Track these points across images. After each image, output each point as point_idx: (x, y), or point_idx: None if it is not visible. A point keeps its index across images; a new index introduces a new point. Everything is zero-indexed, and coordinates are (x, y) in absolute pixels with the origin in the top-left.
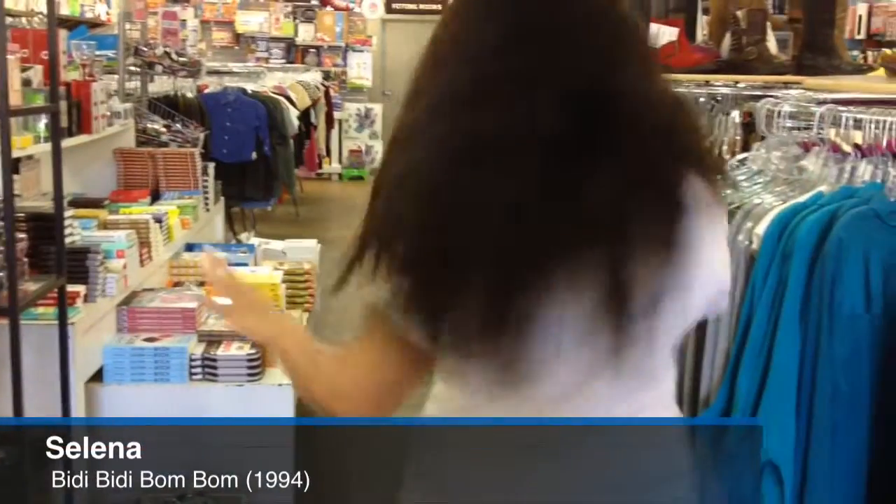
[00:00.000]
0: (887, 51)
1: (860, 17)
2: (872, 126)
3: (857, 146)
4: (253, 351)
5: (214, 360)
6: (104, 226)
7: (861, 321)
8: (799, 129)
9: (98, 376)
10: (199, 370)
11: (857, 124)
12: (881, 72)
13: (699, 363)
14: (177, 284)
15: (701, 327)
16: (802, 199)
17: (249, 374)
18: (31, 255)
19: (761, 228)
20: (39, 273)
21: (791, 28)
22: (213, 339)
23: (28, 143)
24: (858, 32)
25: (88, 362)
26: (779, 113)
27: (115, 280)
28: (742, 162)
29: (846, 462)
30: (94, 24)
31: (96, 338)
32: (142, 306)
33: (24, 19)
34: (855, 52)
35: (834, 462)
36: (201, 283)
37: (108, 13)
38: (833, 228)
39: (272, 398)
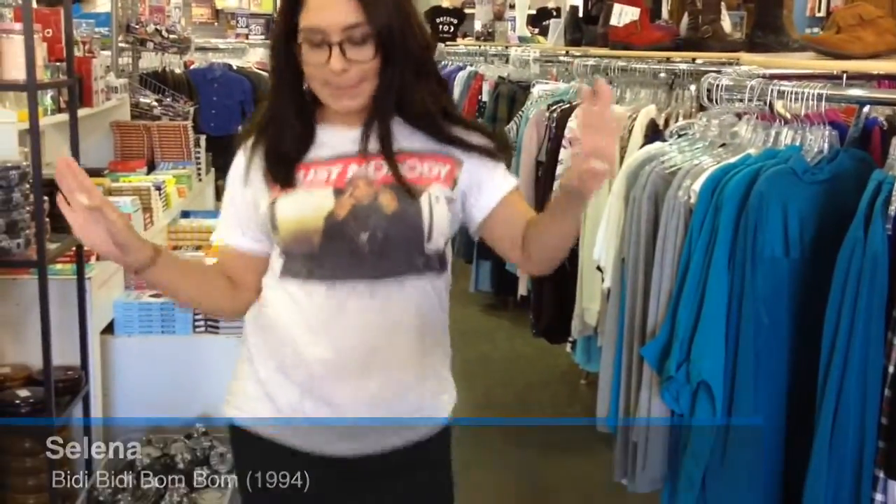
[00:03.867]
0: (824, 32)
1: None
2: (793, 97)
3: (796, 115)
4: None
5: None
6: (109, 192)
7: (780, 263)
8: (741, 100)
9: (109, 329)
10: (201, 323)
11: (781, 95)
12: None
13: (647, 301)
14: (175, 248)
15: (648, 270)
16: (733, 160)
17: None
18: (49, 217)
19: (697, 185)
20: (55, 233)
21: (745, 8)
22: None
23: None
24: (819, 10)
25: (101, 315)
26: (718, 86)
27: None
28: (682, 129)
29: (767, 381)
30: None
31: (107, 293)
32: None
33: None
34: (816, 30)
35: (757, 381)
36: (198, 248)
37: None
38: (755, 184)
39: None
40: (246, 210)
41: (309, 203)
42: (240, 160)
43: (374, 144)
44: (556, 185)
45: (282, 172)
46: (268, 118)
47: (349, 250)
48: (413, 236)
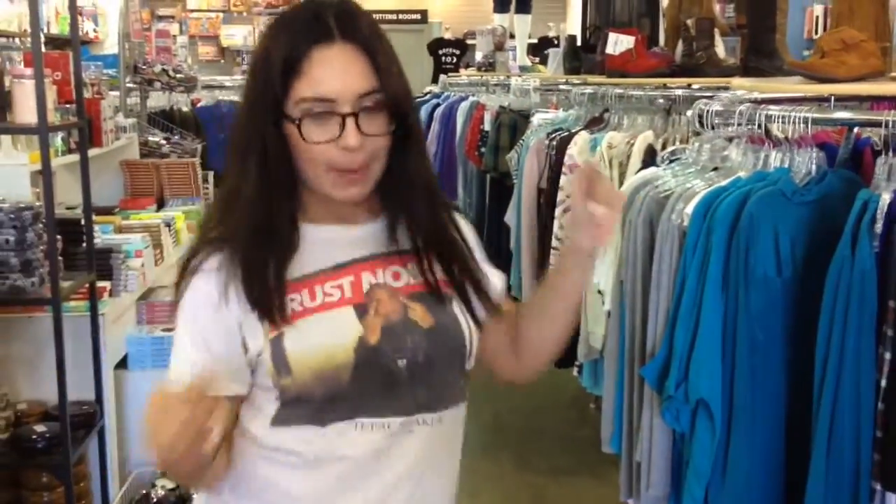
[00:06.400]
0: (810, 57)
1: (817, 17)
2: (780, 121)
3: (787, 138)
4: None
5: None
6: (120, 230)
7: (773, 283)
8: (738, 124)
9: (122, 363)
10: None
11: (769, 119)
12: None
13: (645, 323)
14: None
15: (646, 293)
16: (724, 183)
17: None
18: (62, 255)
19: (690, 209)
20: (69, 271)
21: (739, 33)
22: None
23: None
24: (816, 32)
25: (115, 350)
26: (709, 112)
27: (136, 277)
28: (672, 154)
29: (764, 397)
30: (83, 41)
31: (121, 329)
32: (159, 300)
33: (17, 40)
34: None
35: (754, 397)
36: None
37: (95, 31)
38: (745, 206)
39: None
40: (228, 348)
41: (330, 331)
42: (207, 287)
43: (388, 244)
44: (555, 225)
45: (276, 300)
46: (251, 225)
47: (385, 382)
48: (457, 354)
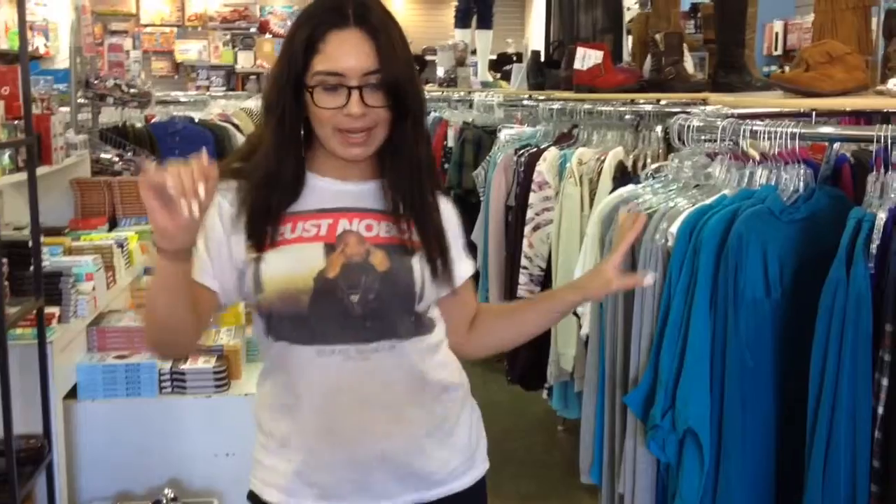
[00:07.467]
0: (792, 71)
1: (777, 34)
2: (765, 136)
3: (764, 155)
4: (218, 364)
5: (183, 373)
6: (69, 251)
7: (762, 305)
8: (712, 140)
9: (72, 393)
10: (168, 384)
11: (753, 135)
12: None
13: (628, 347)
14: (139, 306)
15: (628, 316)
16: (709, 201)
17: (216, 386)
18: (8, 280)
19: (674, 228)
20: (14, 296)
21: (707, 48)
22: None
23: None
24: (776, 49)
25: (64, 379)
26: (688, 127)
27: (86, 301)
28: (656, 171)
29: (755, 425)
30: (33, 56)
31: (70, 357)
32: (111, 326)
33: None
34: (773, 67)
35: (745, 426)
36: None
37: (46, 46)
38: (733, 225)
39: (238, 408)
40: (220, 257)
41: (298, 260)
42: (223, 204)
43: (372, 202)
44: (524, 243)
45: (269, 230)
46: (264, 169)
47: (340, 312)
48: (405, 297)
